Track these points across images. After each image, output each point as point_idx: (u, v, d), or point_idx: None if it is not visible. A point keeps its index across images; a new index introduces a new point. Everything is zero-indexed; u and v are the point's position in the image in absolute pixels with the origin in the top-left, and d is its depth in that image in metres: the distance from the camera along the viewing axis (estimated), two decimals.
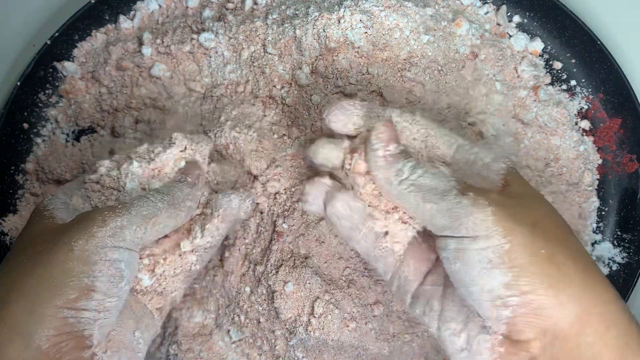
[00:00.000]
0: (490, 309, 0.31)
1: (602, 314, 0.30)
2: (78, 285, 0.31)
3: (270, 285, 0.42)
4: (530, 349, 0.31)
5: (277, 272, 0.42)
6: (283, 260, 0.43)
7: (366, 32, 0.45)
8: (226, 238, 0.43)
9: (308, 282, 0.42)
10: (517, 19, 0.52)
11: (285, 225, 0.43)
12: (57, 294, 0.31)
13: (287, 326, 0.42)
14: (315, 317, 0.42)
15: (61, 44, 0.50)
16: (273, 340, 0.43)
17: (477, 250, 0.31)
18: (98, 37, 0.51)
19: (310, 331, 0.42)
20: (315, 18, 0.45)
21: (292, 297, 0.42)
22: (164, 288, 0.37)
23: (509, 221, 0.31)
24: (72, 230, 0.33)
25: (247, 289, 0.43)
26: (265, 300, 0.43)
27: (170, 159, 0.38)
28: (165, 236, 0.37)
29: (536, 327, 0.30)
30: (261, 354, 0.44)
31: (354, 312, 0.43)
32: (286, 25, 0.46)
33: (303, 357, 0.42)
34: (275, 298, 0.42)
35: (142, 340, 0.36)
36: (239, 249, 0.44)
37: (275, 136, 0.46)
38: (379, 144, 0.35)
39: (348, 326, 0.42)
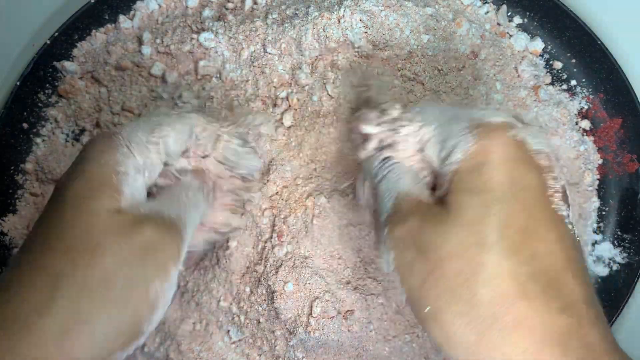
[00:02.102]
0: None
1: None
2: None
3: (270, 286, 0.42)
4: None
5: (276, 272, 0.42)
6: (283, 260, 0.43)
7: (366, 32, 0.45)
8: (227, 240, 0.43)
9: (308, 282, 0.42)
10: (517, 19, 0.52)
11: (284, 226, 0.43)
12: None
13: (287, 326, 0.42)
14: (314, 317, 0.42)
15: (61, 43, 0.50)
16: (273, 341, 0.43)
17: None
18: (98, 37, 0.51)
19: (310, 331, 0.42)
20: (315, 18, 0.45)
21: (292, 297, 0.42)
22: None
23: (404, 271, 0.30)
24: (155, 267, 0.31)
25: (247, 289, 0.43)
26: (265, 300, 0.43)
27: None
28: None
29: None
30: (261, 354, 0.44)
31: (354, 313, 0.43)
32: (286, 25, 0.46)
33: (303, 357, 0.42)
34: (275, 298, 0.42)
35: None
36: (239, 249, 0.44)
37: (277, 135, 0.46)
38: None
39: (348, 327, 0.42)
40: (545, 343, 0.27)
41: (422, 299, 0.29)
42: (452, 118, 0.32)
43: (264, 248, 0.43)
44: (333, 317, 0.42)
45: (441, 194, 0.31)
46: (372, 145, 0.36)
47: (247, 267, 0.43)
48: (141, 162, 0.33)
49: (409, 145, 0.35)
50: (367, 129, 0.36)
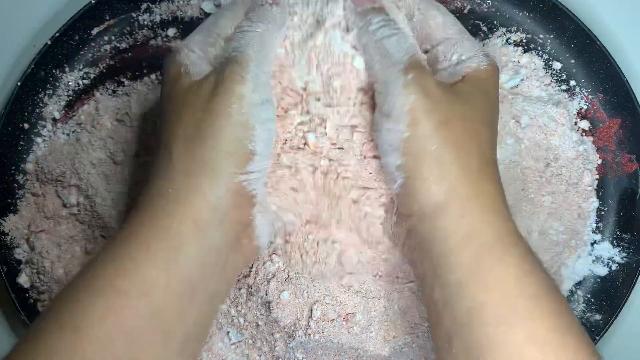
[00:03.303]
0: (388, 180, 0.37)
1: (462, 206, 0.34)
2: (244, 151, 0.35)
3: (263, 297, 0.42)
4: (407, 222, 0.36)
5: (268, 283, 0.42)
6: (275, 273, 0.42)
7: None
8: None
9: (305, 291, 0.42)
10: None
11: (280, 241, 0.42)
12: (230, 162, 0.34)
13: (285, 329, 0.42)
14: (314, 320, 0.42)
15: (62, 44, 0.50)
16: (272, 342, 0.43)
17: (386, 130, 0.35)
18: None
19: (310, 334, 0.41)
20: None
21: (289, 304, 0.42)
22: None
23: (421, 114, 0.34)
24: (221, 95, 0.35)
25: (244, 294, 0.43)
26: (262, 306, 0.42)
27: None
28: None
29: (410, 207, 0.35)
30: (261, 355, 0.44)
31: (355, 316, 0.42)
32: None
33: (303, 358, 0.43)
34: (272, 308, 0.41)
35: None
36: None
37: None
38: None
39: (348, 328, 0.42)
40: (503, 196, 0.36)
41: (431, 138, 0.34)
42: (464, 33, 0.40)
43: (251, 264, 0.43)
44: (333, 319, 0.42)
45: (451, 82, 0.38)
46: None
47: (237, 279, 0.43)
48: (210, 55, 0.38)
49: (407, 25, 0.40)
50: None
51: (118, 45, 0.51)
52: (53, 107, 0.50)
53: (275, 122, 0.37)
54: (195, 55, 0.37)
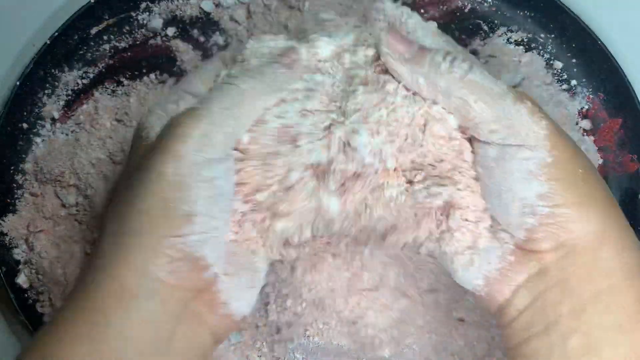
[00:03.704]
0: (517, 215, 0.32)
1: (620, 237, 0.31)
2: (178, 213, 0.30)
3: (263, 298, 0.42)
4: (543, 260, 0.31)
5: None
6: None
7: None
8: None
9: (304, 304, 0.42)
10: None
11: None
12: (160, 225, 0.30)
13: (285, 332, 0.42)
14: (313, 325, 0.41)
15: (61, 44, 0.50)
16: (272, 344, 0.43)
17: (520, 160, 0.32)
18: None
19: (309, 336, 0.41)
20: None
21: (289, 311, 0.42)
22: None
23: (558, 137, 0.32)
24: (158, 153, 0.31)
25: None
26: (261, 309, 0.42)
27: None
28: None
29: (556, 239, 0.31)
30: (261, 356, 0.44)
31: (356, 323, 0.42)
32: None
33: (303, 358, 0.42)
34: (269, 312, 0.41)
35: (261, 258, 0.34)
36: None
37: None
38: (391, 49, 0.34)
39: (348, 331, 0.42)
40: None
41: (575, 159, 0.32)
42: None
43: None
44: (332, 324, 0.42)
45: None
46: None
47: None
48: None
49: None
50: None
51: (117, 44, 0.51)
52: (52, 107, 0.50)
53: (232, 176, 0.33)
54: (154, 117, 0.33)
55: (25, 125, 0.49)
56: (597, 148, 0.50)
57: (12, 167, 0.49)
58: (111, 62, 0.51)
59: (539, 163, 0.31)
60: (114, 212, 0.32)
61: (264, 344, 0.43)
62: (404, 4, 0.52)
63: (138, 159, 0.32)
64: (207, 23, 0.52)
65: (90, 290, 0.30)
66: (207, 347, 0.33)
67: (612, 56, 0.50)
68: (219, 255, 0.32)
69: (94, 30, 0.51)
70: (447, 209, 0.33)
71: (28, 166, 0.49)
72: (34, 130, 0.50)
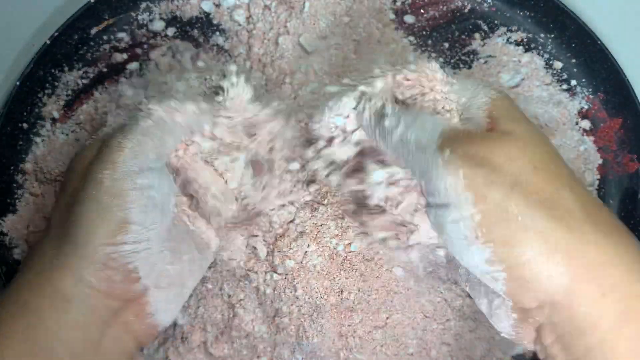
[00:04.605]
0: (486, 282, 0.30)
1: (596, 279, 0.28)
2: (113, 219, 0.31)
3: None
4: (536, 317, 0.30)
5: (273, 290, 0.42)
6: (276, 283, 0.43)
7: None
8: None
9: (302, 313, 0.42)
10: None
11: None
12: (96, 231, 0.31)
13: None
14: (315, 324, 0.41)
15: (61, 43, 0.50)
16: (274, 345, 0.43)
17: (451, 223, 0.30)
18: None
19: (310, 337, 0.41)
20: None
21: (288, 316, 0.42)
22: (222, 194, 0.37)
23: (481, 186, 0.29)
24: (97, 161, 0.33)
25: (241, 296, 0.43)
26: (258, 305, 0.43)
27: None
28: None
29: (535, 297, 0.29)
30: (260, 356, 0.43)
31: (356, 331, 0.42)
32: None
33: (303, 359, 0.42)
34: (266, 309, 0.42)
35: (192, 273, 0.36)
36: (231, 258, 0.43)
37: None
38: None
39: (348, 334, 0.42)
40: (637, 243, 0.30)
41: (509, 209, 0.28)
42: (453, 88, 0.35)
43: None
44: (332, 327, 0.42)
45: (479, 127, 0.33)
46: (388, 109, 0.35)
47: (241, 275, 0.43)
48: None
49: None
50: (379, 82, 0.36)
51: (117, 44, 0.51)
52: (52, 107, 0.50)
53: (170, 192, 0.35)
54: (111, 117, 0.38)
55: (25, 125, 0.49)
56: (597, 148, 0.50)
57: (12, 167, 0.49)
58: (111, 62, 0.51)
59: (469, 225, 0.29)
60: (54, 216, 0.34)
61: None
62: (404, 4, 0.53)
63: (73, 170, 0.35)
64: (207, 23, 0.52)
65: (25, 291, 0.31)
66: (133, 351, 0.35)
67: (612, 56, 0.50)
68: (150, 267, 0.33)
69: (94, 30, 0.51)
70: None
71: (28, 166, 0.49)
72: (34, 130, 0.50)
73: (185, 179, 0.37)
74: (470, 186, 0.29)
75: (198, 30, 0.52)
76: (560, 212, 0.29)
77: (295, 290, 0.41)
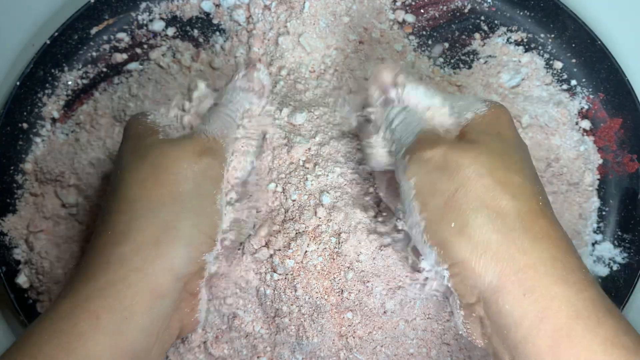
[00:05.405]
0: (441, 279, 0.34)
1: (519, 280, 0.30)
2: (214, 232, 0.36)
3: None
4: (477, 311, 0.33)
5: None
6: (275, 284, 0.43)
7: None
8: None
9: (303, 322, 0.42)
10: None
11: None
12: (204, 240, 0.35)
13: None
14: (313, 326, 0.41)
15: (60, 44, 0.50)
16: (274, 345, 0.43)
17: (409, 228, 0.34)
18: None
19: (310, 337, 0.41)
20: None
21: (288, 317, 0.42)
22: None
23: (426, 195, 0.32)
24: (211, 180, 0.36)
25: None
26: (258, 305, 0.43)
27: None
28: None
29: (473, 293, 0.32)
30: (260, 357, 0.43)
31: (356, 332, 0.42)
32: None
33: (303, 359, 0.42)
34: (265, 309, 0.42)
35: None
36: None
37: None
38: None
39: (348, 334, 0.42)
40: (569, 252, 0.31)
41: (446, 215, 0.31)
42: (449, 95, 0.38)
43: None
44: (332, 328, 0.42)
45: (453, 135, 0.35)
46: (392, 93, 0.37)
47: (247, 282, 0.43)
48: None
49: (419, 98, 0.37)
50: (387, 76, 0.38)
51: (117, 44, 0.51)
52: (52, 107, 0.50)
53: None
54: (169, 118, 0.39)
55: (25, 125, 0.49)
56: (597, 148, 0.50)
57: (12, 167, 0.49)
58: (111, 62, 0.51)
59: (420, 230, 0.33)
60: (151, 213, 0.34)
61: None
62: (404, 4, 0.53)
63: (162, 157, 0.35)
64: (207, 23, 0.52)
65: (121, 287, 0.32)
66: (173, 340, 0.36)
67: (612, 56, 0.50)
68: (211, 265, 0.37)
69: (94, 30, 0.51)
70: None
71: (28, 166, 0.49)
72: (34, 130, 0.50)
73: None
74: (417, 195, 0.32)
75: (198, 30, 0.52)
76: (495, 216, 0.31)
77: (296, 290, 0.41)
